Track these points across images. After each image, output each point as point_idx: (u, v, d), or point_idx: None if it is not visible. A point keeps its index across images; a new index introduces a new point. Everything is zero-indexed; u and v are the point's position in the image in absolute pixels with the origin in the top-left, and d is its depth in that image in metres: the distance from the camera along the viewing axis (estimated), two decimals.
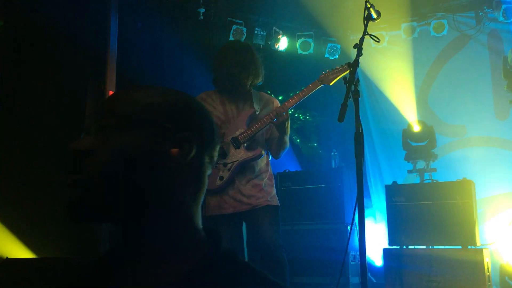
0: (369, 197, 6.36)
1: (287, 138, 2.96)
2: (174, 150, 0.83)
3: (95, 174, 0.79)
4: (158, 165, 0.82)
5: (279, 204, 2.98)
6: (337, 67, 2.94)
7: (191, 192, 0.86)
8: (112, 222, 0.82)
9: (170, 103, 0.86)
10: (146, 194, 0.81)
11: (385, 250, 4.37)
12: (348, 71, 2.86)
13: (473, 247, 4.03)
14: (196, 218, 0.86)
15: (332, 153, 5.67)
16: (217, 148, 0.92)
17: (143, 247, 0.82)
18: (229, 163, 2.91)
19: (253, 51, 3.01)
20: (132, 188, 0.80)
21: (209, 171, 0.90)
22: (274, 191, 2.99)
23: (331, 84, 2.93)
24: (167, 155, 0.82)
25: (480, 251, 3.95)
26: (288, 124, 2.90)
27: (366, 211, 2.22)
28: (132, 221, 0.82)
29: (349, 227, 4.70)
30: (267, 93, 3.24)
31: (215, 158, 0.92)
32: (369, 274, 5.49)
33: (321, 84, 2.93)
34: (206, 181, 0.90)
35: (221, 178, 2.90)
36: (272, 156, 3.09)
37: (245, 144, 2.92)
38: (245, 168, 2.92)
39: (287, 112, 2.83)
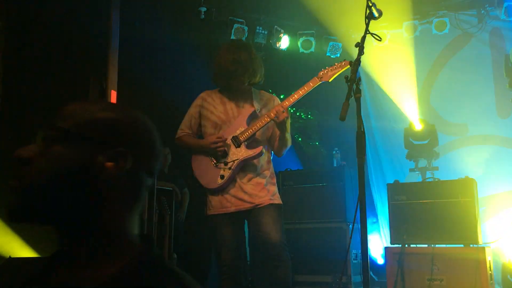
0: (371, 195, 6.36)
1: (288, 136, 2.96)
2: (109, 164, 0.89)
3: (30, 182, 0.86)
4: (92, 177, 0.88)
5: (281, 202, 2.98)
6: (336, 64, 2.95)
7: (125, 203, 0.92)
8: (48, 226, 0.89)
9: (111, 119, 0.93)
10: (78, 203, 0.88)
11: (387, 249, 4.37)
12: (347, 67, 2.87)
13: (475, 245, 4.02)
14: (130, 227, 0.92)
15: (334, 152, 5.67)
16: (157, 163, 0.97)
17: (74, 251, 0.89)
18: (229, 161, 2.91)
19: (250, 50, 3.01)
20: (65, 197, 0.87)
21: (148, 183, 0.96)
22: (276, 189, 3.00)
23: (330, 80, 2.94)
24: (102, 168, 0.88)
25: (482, 250, 3.95)
26: (289, 122, 2.91)
27: (368, 210, 2.22)
28: (65, 227, 0.88)
29: (351, 226, 4.70)
30: (268, 91, 3.24)
31: (155, 173, 0.97)
32: (371, 273, 5.50)
33: (320, 81, 2.94)
34: (144, 193, 0.95)
35: (222, 177, 2.90)
36: (274, 154, 3.10)
37: (246, 143, 2.93)
38: (247, 166, 2.93)
39: (286, 110, 2.83)
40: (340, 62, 2.95)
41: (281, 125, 2.86)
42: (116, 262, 0.86)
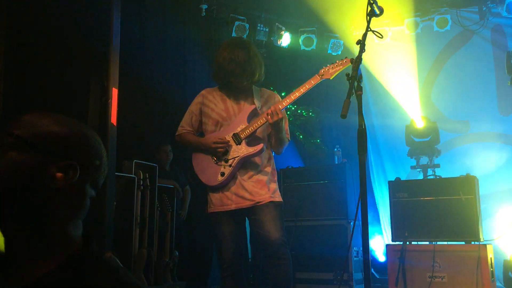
0: (372, 193, 6.36)
1: (283, 136, 2.96)
2: (59, 174, 0.96)
3: None
4: (42, 185, 0.95)
5: (282, 200, 2.98)
6: (337, 61, 2.94)
7: (69, 210, 0.98)
8: None
9: (65, 133, 1.00)
10: (26, 208, 0.94)
11: (388, 246, 4.37)
12: (348, 65, 2.86)
13: (476, 242, 4.03)
14: (71, 231, 0.98)
15: (335, 149, 5.67)
16: (102, 177, 1.06)
17: (14, 252, 0.94)
18: (230, 159, 2.91)
19: (249, 48, 3.00)
20: (14, 201, 0.93)
21: (92, 194, 1.04)
22: (276, 187, 2.99)
23: (331, 77, 2.93)
24: (51, 178, 0.95)
25: (483, 247, 3.95)
26: (282, 123, 2.90)
27: (369, 207, 2.22)
28: (8, 228, 0.94)
29: (352, 223, 4.71)
30: (269, 89, 3.24)
31: (99, 185, 1.06)
32: (372, 270, 5.51)
33: (321, 78, 2.93)
34: (88, 202, 1.03)
35: (223, 174, 2.90)
36: (273, 151, 3.10)
37: (246, 140, 2.93)
38: (247, 163, 2.93)
39: (280, 112, 2.83)
40: (342, 59, 2.95)
41: (274, 126, 2.87)
42: (52, 261, 0.92)
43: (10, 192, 0.92)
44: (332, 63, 2.95)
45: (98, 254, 0.98)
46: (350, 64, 2.82)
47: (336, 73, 2.92)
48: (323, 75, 2.93)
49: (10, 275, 0.93)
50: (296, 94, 2.91)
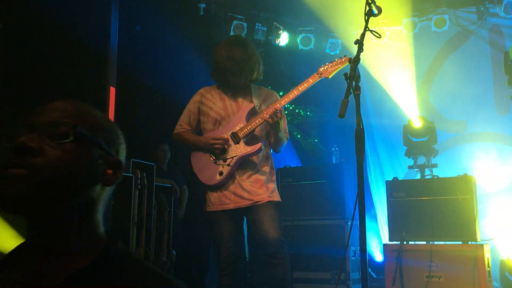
0: (370, 192, 6.37)
1: (281, 135, 2.96)
2: (110, 172, 0.95)
3: (44, 174, 0.86)
4: (95, 181, 0.93)
5: (280, 199, 2.98)
6: (336, 60, 2.94)
7: (104, 205, 0.97)
8: (33, 218, 0.90)
9: (112, 128, 0.99)
10: (76, 201, 0.91)
11: (385, 246, 4.38)
12: (347, 63, 2.86)
13: (473, 242, 4.03)
14: (100, 224, 0.96)
15: (333, 149, 5.67)
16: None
17: (47, 245, 0.90)
18: (228, 158, 2.91)
19: (247, 46, 2.99)
20: (67, 194, 0.89)
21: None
22: (275, 186, 2.99)
23: (330, 76, 2.93)
24: (103, 174, 0.94)
25: (480, 247, 3.96)
26: (281, 122, 2.90)
27: (367, 207, 2.22)
28: (54, 220, 0.90)
29: (349, 223, 4.71)
30: (267, 88, 3.23)
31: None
32: (369, 270, 5.52)
33: (320, 77, 2.92)
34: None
35: (221, 173, 2.90)
36: (272, 150, 3.10)
37: (245, 139, 2.92)
38: (246, 163, 2.92)
39: (279, 111, 2.82)
40: (340, 58, 2.94)
41: (273, 125, 2.86)
42: (85, 257, 0.89)
43: (70, 186, 0.89)
44: (331, 62, 2.94)
45: (128, 251, 0.96)
46: (348, 63, 2.82)
47: (335, 72, 2.92)
48: (321, 73, 2.92)
49: (41, 270, 0.88)
50: (295, 93, 2.91)
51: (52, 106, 0.94)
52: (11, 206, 0.86)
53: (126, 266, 0.91)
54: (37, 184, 0.85)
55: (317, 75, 2.93)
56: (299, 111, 6.61)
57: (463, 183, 4.19)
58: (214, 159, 2.94)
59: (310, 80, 2.92)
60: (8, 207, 0.86)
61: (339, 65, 2.91)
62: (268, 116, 2.82)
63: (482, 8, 5.91)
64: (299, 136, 6.65)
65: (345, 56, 2.92)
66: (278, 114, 2.81)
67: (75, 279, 0.85)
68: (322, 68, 2.93)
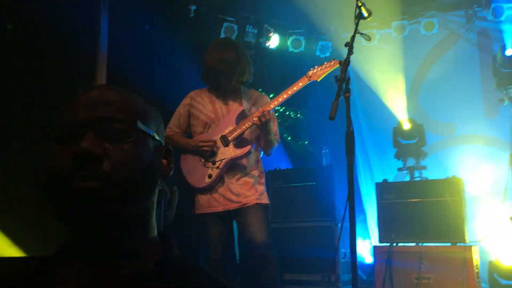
0: (360, 194, 6.39)
1: (271, 138, 2.96)
2: (164, 162, 0.87)
3: (116, 183, 0.77)
4: (157, 175, 0.85)
5: (269, 202, 2.98)
6: (325, 63, 2.95)
7: (155, 201, 0.88)
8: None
9: (156, 113, 0.90)
10: (146, 203, 0.84)
11: (375, 248, 4.40)
12: (336, 66, 2.88)
13: (462, 244, 4.06)
14: (155, 226, 0.88)
15: (323, 151, 5.69)
16: None
17: (115, 248, 0.81)
18: (218, 161, 2.91)
19: (238, 48, 3.00)
20: (139, 198, 0.81)
21: None
22: (264, 189, 3.00)
23: (319, 80, 2.94)
24: (160, 166, 0.86)
25: (469, 248, 3.99)
26: (270, 125, 2.91)
27: (356, 209, 2.23)
28: (116, 221, 0.80)
29: (339, 225, 4.72)
30: (258, 90, 3.24)
31: None
32: (359, 271, 5.53)
33: (309, 80, 2.94)
34: None
35: (210, 176, 2.90)
36: (263, 152, 3.10)
37: (234, 142, 2.93)
38: (235, 165, 2.93)
39: (268, 114, 2.83)
40: (329, 61, 2.96)
41: (262, 128, 2.87)
42: (146, 259, 0.82)
43: (139, 191, 0.80)
44: (320, 65, 2.96)
45: (184, 256, 0.88)
46: (338, 65, 2.84)
47: (324, 75, 2.93)
48: (311, 77, 2.94)
49: (100, 274, 0.80)
50: (284, 96, 2.92)
51: (97, 98, 0.82)
52: (97, 227, 0.77)
53: (186, 270, 0.85)
54: (116, 197, 0.76)
55: (306, 78, 2.94)
56: (289, 113, 6.62)
57: (452, 185, 4.22)
58: (203, 162, 2.94)
59: (300, 83, 2.93)
60: (93, 229, 0.77)
61: (328, 69, 2.93)
62: (256, 118, 2.83)
63: (470, 12, 5.96)
64: (289, 138, 6.66)
65: (334, 59, 2.93)
66: (266, 116, 2.81)
67: (138, 283, 0.79)
68: (311, 72, 2.95)
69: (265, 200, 2.95)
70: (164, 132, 0.93)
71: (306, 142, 6.73)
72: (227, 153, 2.91)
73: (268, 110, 2.86)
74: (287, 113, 6.64)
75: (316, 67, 2.97)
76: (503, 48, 4.91)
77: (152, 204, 0.86)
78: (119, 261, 0.81)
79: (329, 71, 2.93)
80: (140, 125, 0.81)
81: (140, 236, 0.84)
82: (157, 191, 0.86)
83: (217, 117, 2.99)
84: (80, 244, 0.82)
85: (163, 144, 0.87)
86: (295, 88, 2.92)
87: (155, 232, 0.88)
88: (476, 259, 4.04)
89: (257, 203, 2.88)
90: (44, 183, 0.78)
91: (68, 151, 0.77)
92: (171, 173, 0.88)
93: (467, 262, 3.92)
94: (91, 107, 0.81)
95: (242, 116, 2.99)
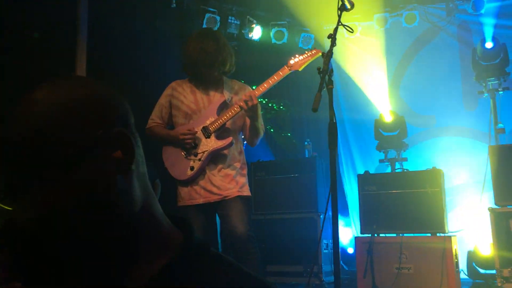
0: (342, 186, 6.44)
1: (259, 124, 2.95)
2: (116, 154, 0.76)
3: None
4: (115, 185, 0.75)
5: (250, 194, 2.98)
6: (306, 52, 2.95)
7: (146, 190, 0.80)
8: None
9: (91, 104, 0.81)
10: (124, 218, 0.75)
11: (356, 238, 4.44)
12: (318, 55, 2.88)
13: (441, 234, 4.13)
14: (160, 215, 0.80)
15: (306, 143, 5.70)
16: None
17: (113, 252, 0.74)
18: (199, 153, 2.89)
19: (218, 38, 2.97)
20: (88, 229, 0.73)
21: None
22: (245, 181, 2.98)
23: (300, 69, 2.94)
24: (113, 165, 0.75)
25: (448, 238, 4.05)
26: (258, 110, 2.89)
27: (339, 200, 2.24)
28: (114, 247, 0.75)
29: (322, 216, 4.75)
30: (240, 81, 3.22)
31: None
32: (341, 262, 5.58)
33: (290, 70, 2.93)
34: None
35: (192, 168, 2.88)
36: (247, 143, 3.09)
37: (216, 133, 2.90)
38: (217, 157, 2.91)
39: (255, 98, 2.81)
40: (311, 50, 2.95)
41: (250, 113, 2.84)
42: (157, 258, 0.76)
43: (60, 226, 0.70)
44: (301, 54, 2.95)
45: (206, 245, 0.81)
46: (319, 54, 2.83)
47: (305, 64, 2.93)
48: (292, 66, 2.93)
49: (122, 274, 0.74)
50: (265, 86, 2.90)
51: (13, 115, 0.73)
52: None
53: (207, 261, 0.78)
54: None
55: (287, 67, 2.93)
56: (272, 105, 6.62)
57: (432, 176, 4.28)
58: (185, 154, 2.92)
59: (280, 73, 2.92)
60: None
61: (309, 58, 2.92)
62: (243, 103, 2.80)
63: (451, 5, 6.03)
64: (272, 130, 6.66)
65: (315, 48, 2.92)
66: (253, 99, 2.79)
67: (156, 280, 0.73)
68: (293, 61, 2.94)
69: (246, 192, 2.94)
70: (120, 111, 0.82)
71: (288, 134, 6.74)
72: (209, 144, 2.89)
73: (256, 93, 2.83)
74: (269, 105, 6.63)
75: (296, 55, 2.96)
76: (483, 41, 4.97)
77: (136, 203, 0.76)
78: (126, 263, 0.75)
79: (310, 60, 2.92)
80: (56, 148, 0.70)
81: (144, 239, 0.76)
82: (136, 195, 0.76)
83: (198, 108, 2.96)
84: None
85: (110, 132, 0.74)
86: (276, 78, 2.90)
87: (164, 223, 0.80)
88: (455, 249, 4.11)
89: (238, 196, 2.87)
90: None
91: None
92: (133, 160, 0.75)
93: (447, 252, 3.98)
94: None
95: (223, 107, 2.97)
